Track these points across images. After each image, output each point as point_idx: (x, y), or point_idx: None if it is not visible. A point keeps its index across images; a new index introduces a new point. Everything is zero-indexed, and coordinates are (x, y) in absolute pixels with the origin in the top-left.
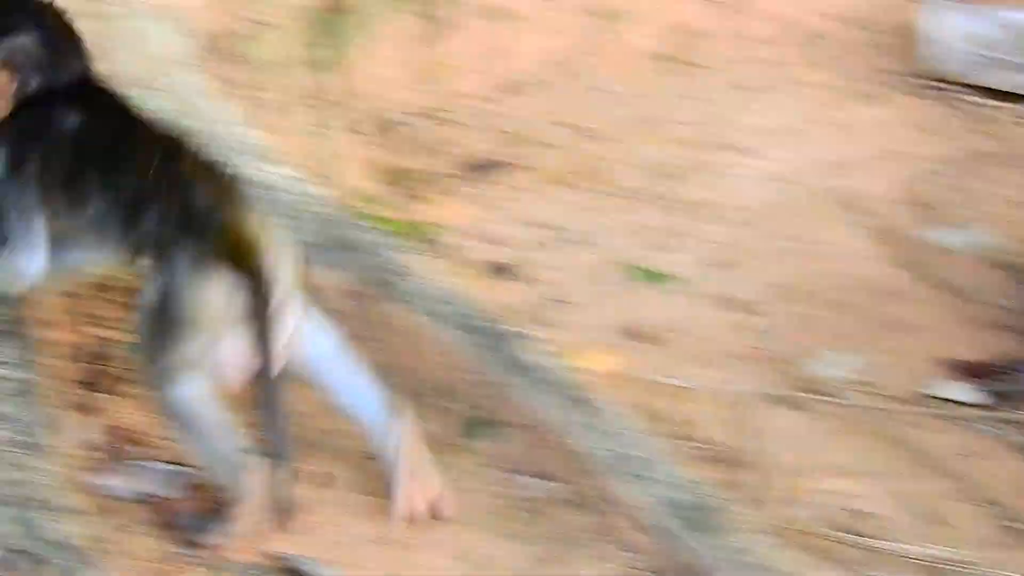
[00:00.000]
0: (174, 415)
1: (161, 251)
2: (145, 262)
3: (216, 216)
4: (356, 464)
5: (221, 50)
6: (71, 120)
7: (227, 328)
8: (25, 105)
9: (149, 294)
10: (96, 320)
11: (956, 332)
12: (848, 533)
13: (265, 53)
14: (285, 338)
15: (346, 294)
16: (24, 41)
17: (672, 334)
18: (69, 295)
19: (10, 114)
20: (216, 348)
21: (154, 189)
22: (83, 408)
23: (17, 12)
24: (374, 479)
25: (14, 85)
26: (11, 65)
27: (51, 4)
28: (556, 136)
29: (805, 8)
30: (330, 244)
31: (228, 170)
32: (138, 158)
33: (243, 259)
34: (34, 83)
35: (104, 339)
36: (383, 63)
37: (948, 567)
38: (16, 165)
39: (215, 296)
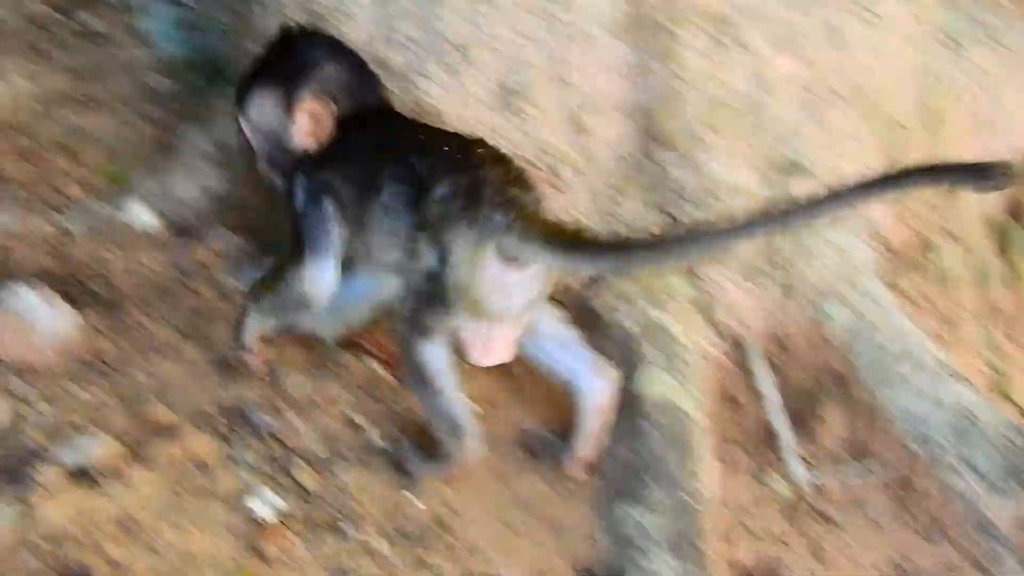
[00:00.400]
0: (418, 370)
1: (445, 226)
2: (427, 239)
3: (506, 196)
4: None
5: (906, 261)
6: (368, 128)
7: (492, 308)
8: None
9: (427, 262)
10: (761, 536)
11: None
12: None
13: (948, 264)
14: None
15: (1020, 525)
16: (332, 70)
17: None
18: (741, 509)
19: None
20: (475, 324)
21: (443, 168)
22: None
23: (315, 47)
24: None
25: (333, 111)
26: (329, 92)
27: (336, 39)
28: None
29: None
30: (1005, 471)
31: (519, 163)
32: (430, 144)
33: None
34: (346, 108)
35: (769, 556)
36: None
37: None
38: (319, 186)
39: (490, 276)
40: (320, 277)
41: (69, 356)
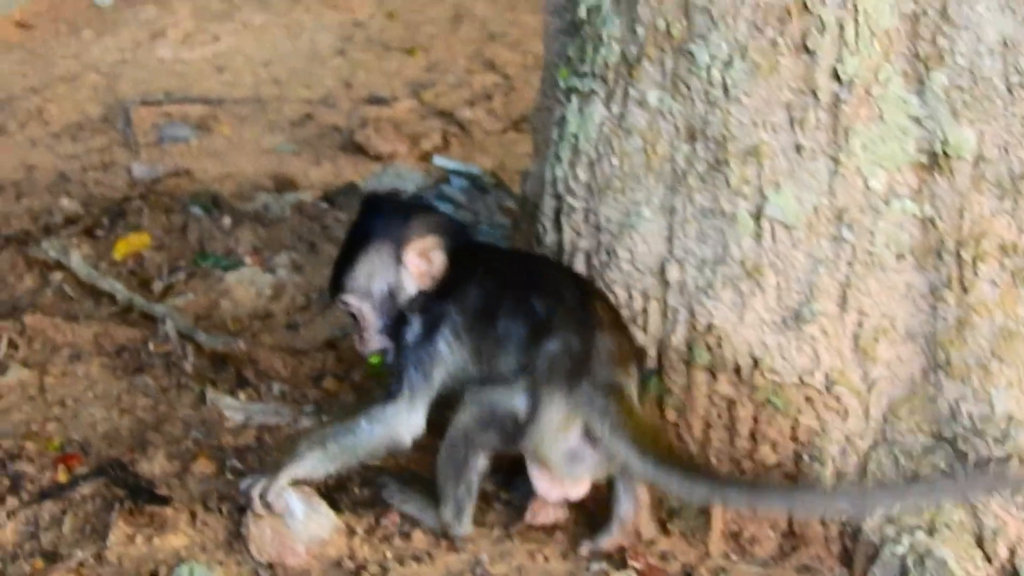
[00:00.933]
0: (455, 463)
1: (545, 383)
2: (524, 384)
3: (613, 379)
4: None
5: None
6: (482, 258)
7: (558, 469)
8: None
9: (517, 405)
10: None
11: None
12: None
13: None
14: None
15: None
16: (428, 213)
17: None
18: None
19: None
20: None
21: (561, 319)
22: None
23: (403, 201)
24: None
25: (441, 245)
26: (433, 230)
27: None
28: None
29: None
30: None
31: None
32: (552, 285)
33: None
34: (450, 244)
35: None
36: None
37: None
38: (432, 324)
39: (568, 446)
40: (412, 419)
41: (326, 559)
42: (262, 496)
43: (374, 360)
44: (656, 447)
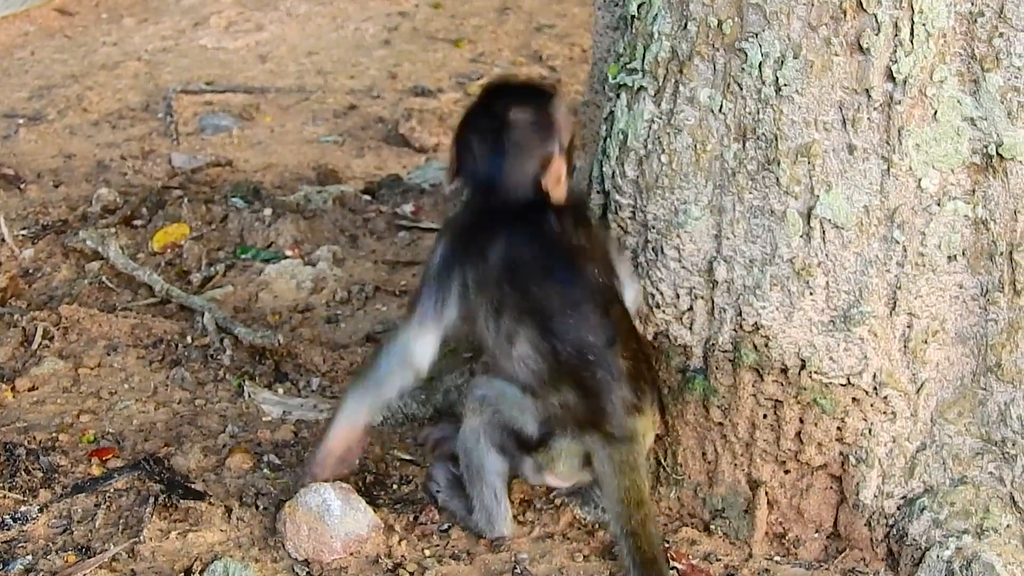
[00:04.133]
0: (468, 460)
1: (558, 425)
2: (535, 410)
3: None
4: None
5: None
6: (508, 244)
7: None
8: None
9: (529, 429)
10: None
11: None
12: None
13: None
14: None
15: None
16: (476, 138)
17: None
18: None
19: (463, 219)
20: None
21: (580, 367)
22: None
23: (489, 112)
24: None
25: (455, 169)
26: (461, 151)
27: (517, 114)
28: None
29: None
30: None
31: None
32: (579, 313)
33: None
34: (473, 177)
35: None
36: None
37: None
38: (450, 264)
39: (569, 466)
40: (421, 343)
41: (363, 556)
42: (318, 463)
43: None
44: (637, 511)
